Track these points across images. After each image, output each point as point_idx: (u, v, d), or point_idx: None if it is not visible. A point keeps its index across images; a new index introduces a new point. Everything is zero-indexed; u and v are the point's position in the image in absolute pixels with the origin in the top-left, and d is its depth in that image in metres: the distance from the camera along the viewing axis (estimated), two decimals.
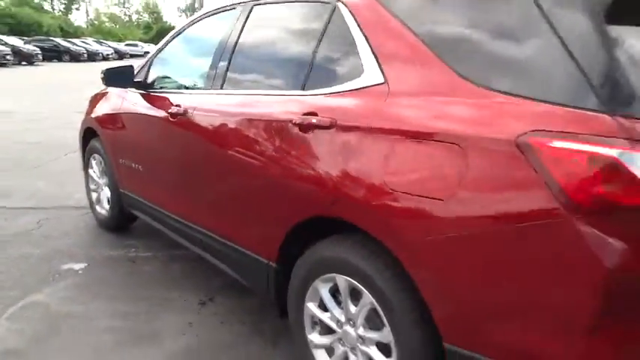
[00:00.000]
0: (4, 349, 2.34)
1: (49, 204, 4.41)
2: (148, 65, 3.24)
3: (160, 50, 3.25)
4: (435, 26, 1.67)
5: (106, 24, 65.47)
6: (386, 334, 1.68)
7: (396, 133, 1.58)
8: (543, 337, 1.31)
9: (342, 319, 1.86)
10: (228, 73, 2.48)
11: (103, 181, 3.79)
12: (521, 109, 1.35)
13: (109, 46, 41.17)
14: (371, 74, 1.74)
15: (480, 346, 1.43)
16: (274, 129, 2.06)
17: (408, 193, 1.51)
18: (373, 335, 1.74)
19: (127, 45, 45.19)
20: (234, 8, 2.64)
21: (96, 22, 63.47)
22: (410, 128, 1.54)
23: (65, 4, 58.01)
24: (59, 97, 12.89)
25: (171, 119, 2.70)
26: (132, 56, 37.35)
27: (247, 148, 2.19)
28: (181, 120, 2.62)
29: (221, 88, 2.49)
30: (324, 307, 1.94)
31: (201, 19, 2.97)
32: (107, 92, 3.67)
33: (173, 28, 3.84)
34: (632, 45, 1.31)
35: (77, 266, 3.21)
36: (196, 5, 74.50)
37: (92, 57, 35.44)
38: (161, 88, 3.11)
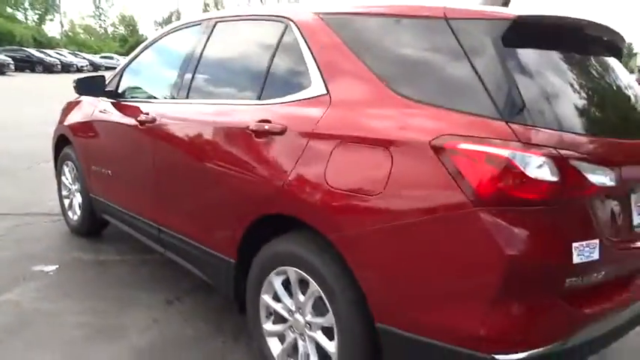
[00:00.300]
0: None
1: (21, 211, 4.47)
2: (119, 75, 3.41)
3: (130, 61, 3.42)
4: (371, 48, 1.91)
5: (81, 35, 64.85)
6: (329, 319, 1.88)
7: (335, 137, 1.80)
8: (457, 313, 1.52)
9: (293, 308, 2.05)
10: (193, 84, 2.67)
11: (75, 187, 3.92)
12: (437, 117, 1.58)
13: (84, 58, 40.66)
14: (316, 86, 1.97)
15: (406, 324, 1.64)
16: (233, 135, 2.26)
17: (345, 191, 1.73)
18: (319, 320, 1.94)
19: (102, 57, 44.73)
20: (199, 24, 2.84)
21: (70, 34, 62.80)
22: (346, 133, 1.77)
23: (39, 14, 57.41)
24: (32, 107, 12.83)
25: (139, 127, 2.87)
26: (107, 68, 36.85)
27: (209, 153, 2.38)
28: (149, 127, 2.80)
29: (186, 97, 2.68)
30: (277, 299, 2.13)
31: (169, 33, 3.16)
32: (80, 101, 3.82)
33: None
34: (524, 65, 1.58)
35: (48, 268, 3.32)
36: (173, 19, 74.59)
37: (66, 68, 34.95)
38: (131, 97, 3.28)
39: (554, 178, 1.43)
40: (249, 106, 2.26)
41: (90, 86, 3.38)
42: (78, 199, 3.88)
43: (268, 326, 2.19)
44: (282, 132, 2.00)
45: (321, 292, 1.88)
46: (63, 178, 4.08)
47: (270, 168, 2.04)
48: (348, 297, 1.78)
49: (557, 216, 1.48)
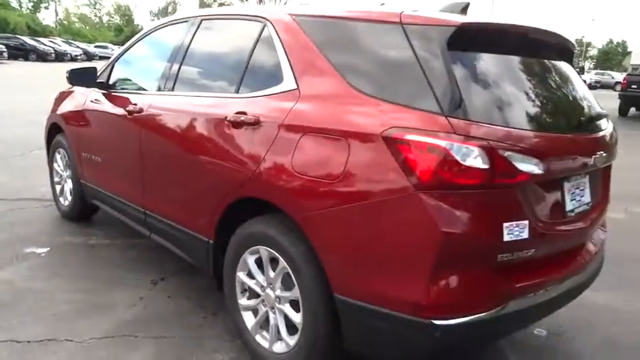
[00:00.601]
0: None
1: (13, 196, 4.63)
2: (110, 67, 3.59)
3: (121, 54, 3.60)
4: (337, 48, 2.10)
5: (76, 24, 64.48)
6: (295, 293, 2.08)
7: (301, 128, 2.00)
8: (401, 283, 1.73)
9: (265, 284, 2.26)
10: (179, 77, 2.86)
11: (66, 174, 4.10)
12: (389, 111, 1.78)
13: (78, 47, 40.42)
14: (288, 82, 2.16)
15: (358, 294, 1.84)
16: (213, 126, 2.46)
17: (309, 176, 1.94)
18: (287, 294, 2.15)
19: (96, 47, 44.51)
20: (186, 21, 3.02)
21: (65, 22, 62.45)
22: (311, 125, 1.97)
23: (34, 2, 57.04)
24: (25, 95, 12.93)
25: (128, 117, 3.06)
26: (101, 58, 36.69)
27: (191, 142, 2.58)
28: (137, 117, 2.98)
29: (172, 89, 2.87)
30: (251, 276, 2.33)
31: (158, 29, 3.34)
32: (72, 91, 3.99)
33: None
34: (466, 66, 1.79)
35: (39, 250, 3.51)
36: (169, 10, 74.31)
37: (60, 57, 34.80)
38: (121, 88, 3.46)
39: (485, 166, 1.64)
40: (228, 98, 2.45)
41: (82, 77, 3.56)
42: (69, 185, 4.06)
43: (243, 301, 2.39)
44: (255, 123, 2.19)
45: (288, 268, 2.09)
46: (55, 165, 4.26)
47: (245, 156, 2.24)
48: (311, 272, 1.98)
49: (488, 199, 1.69)
